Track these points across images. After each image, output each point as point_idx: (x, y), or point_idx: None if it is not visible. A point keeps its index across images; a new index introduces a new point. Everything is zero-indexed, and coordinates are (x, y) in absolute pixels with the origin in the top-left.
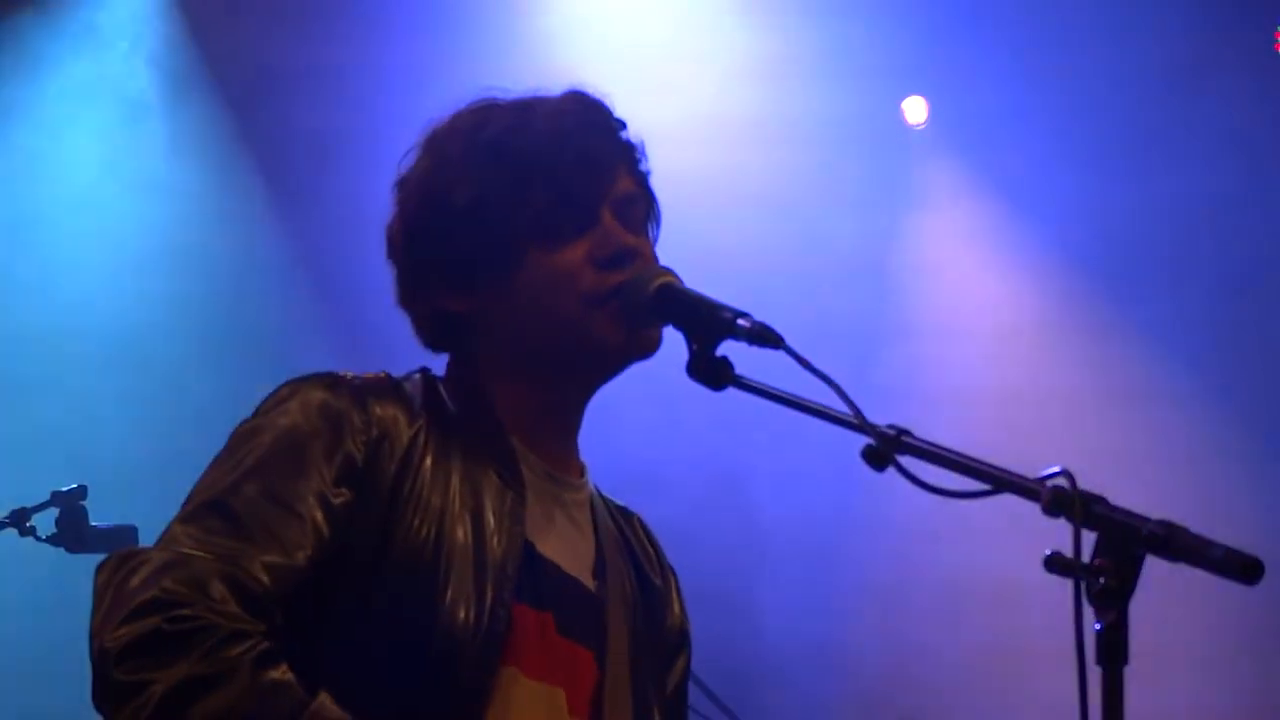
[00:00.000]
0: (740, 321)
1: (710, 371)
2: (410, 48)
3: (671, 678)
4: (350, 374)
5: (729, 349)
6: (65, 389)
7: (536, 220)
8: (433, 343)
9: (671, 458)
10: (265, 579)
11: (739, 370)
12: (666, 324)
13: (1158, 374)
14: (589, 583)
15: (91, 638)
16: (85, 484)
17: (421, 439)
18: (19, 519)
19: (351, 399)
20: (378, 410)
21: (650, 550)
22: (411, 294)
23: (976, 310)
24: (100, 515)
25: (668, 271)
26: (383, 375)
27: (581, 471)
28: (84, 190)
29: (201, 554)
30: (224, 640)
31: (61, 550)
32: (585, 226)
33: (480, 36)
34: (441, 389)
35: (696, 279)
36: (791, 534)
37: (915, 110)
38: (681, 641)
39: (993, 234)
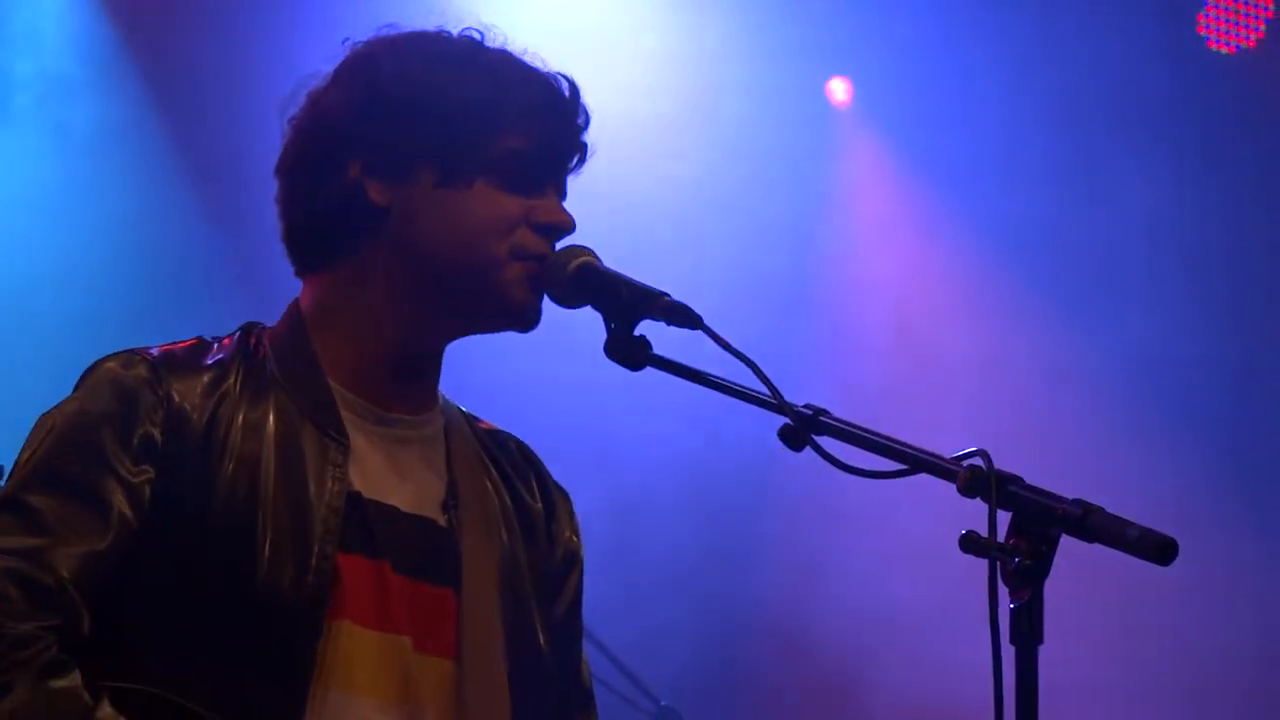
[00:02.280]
0: (659, 301)
1: (628, 351)
2: (327, 45)
3: (562, 598)
4: (152, 347)
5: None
6: None
7: (504, 157)
8: (308, 237)
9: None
10: (63, 572)
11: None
12: (586, 303)
13: (1078, 352)
14: (438, 518)
15: None
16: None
17: (231, 400)
18: None
19: (146, 374)
20: (175, 382)
21: (530, 474)
22: (329, 162)
23: (899, 287)
24: None
25: (588, 251)
26: (191, 341)
27: (430, 406)
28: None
29: None
30: (10, 646)
31: None
32: (536, 189)
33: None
34: (266, 343)
35: (621, 266)
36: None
37: (839, 91)
38: (571, 562)
39: (915, 212)
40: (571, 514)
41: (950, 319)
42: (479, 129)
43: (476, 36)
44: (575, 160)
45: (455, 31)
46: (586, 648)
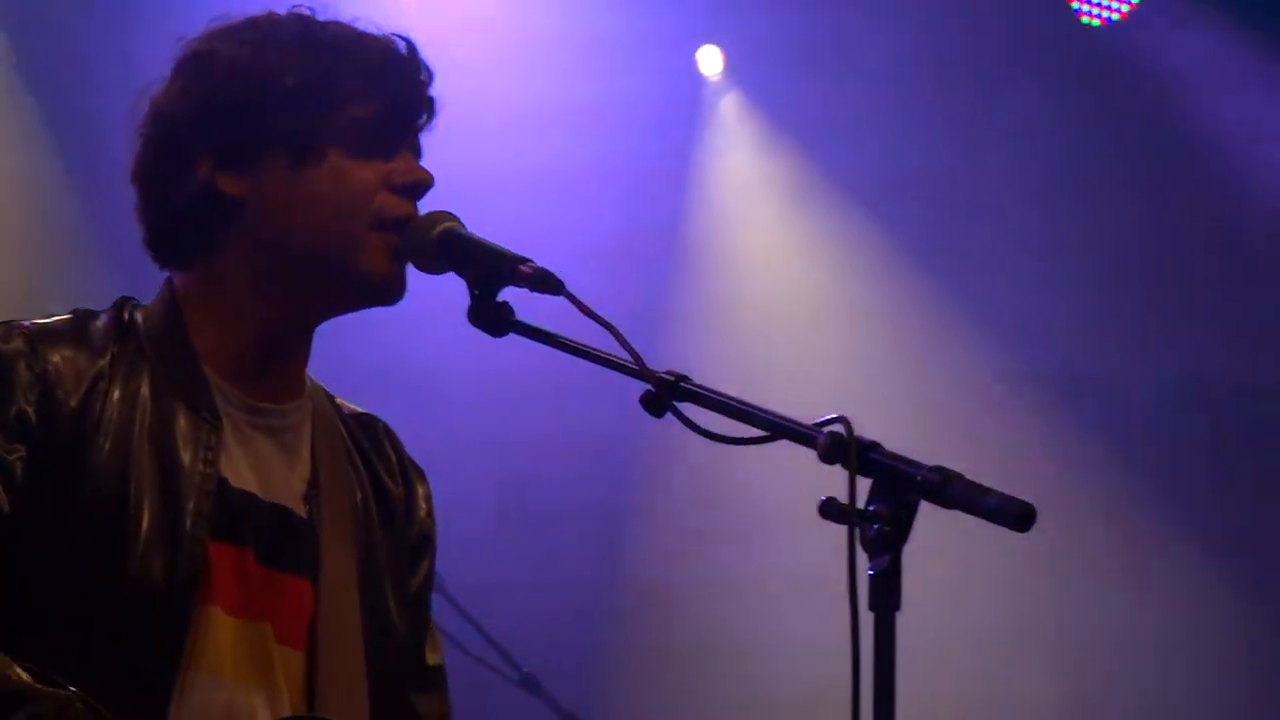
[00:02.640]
0: (522, 268)
1: (491, 317)
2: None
3: (414, 581)
4: (29, 321)
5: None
6: None
7: (353, 126)
8: (170, 240)
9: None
10: None
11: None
12: (449, 269)
13: (957, 314)
14: (299, 509)
15: None
16: None
17: (106, 379)
18: None
19: (22, 349)
20: (53, 357)
21: (392, 457)
22: (179, 163)
23: (772, 264)
24: None
25: (451, 217)
26: (67, 316)
27: (298, 394)
28: None
29: None
30: None
31: None
32: (390, 152)
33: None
34: (140, 321)
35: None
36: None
37: (710, 61)
38: (424, 545)
39: (787, 185)
40: (428, 495)
41: (821, 285)
42: (322, 105)
43: (306, 12)
44: (424, 117)
45: (284, 11)
46: (452, 614)
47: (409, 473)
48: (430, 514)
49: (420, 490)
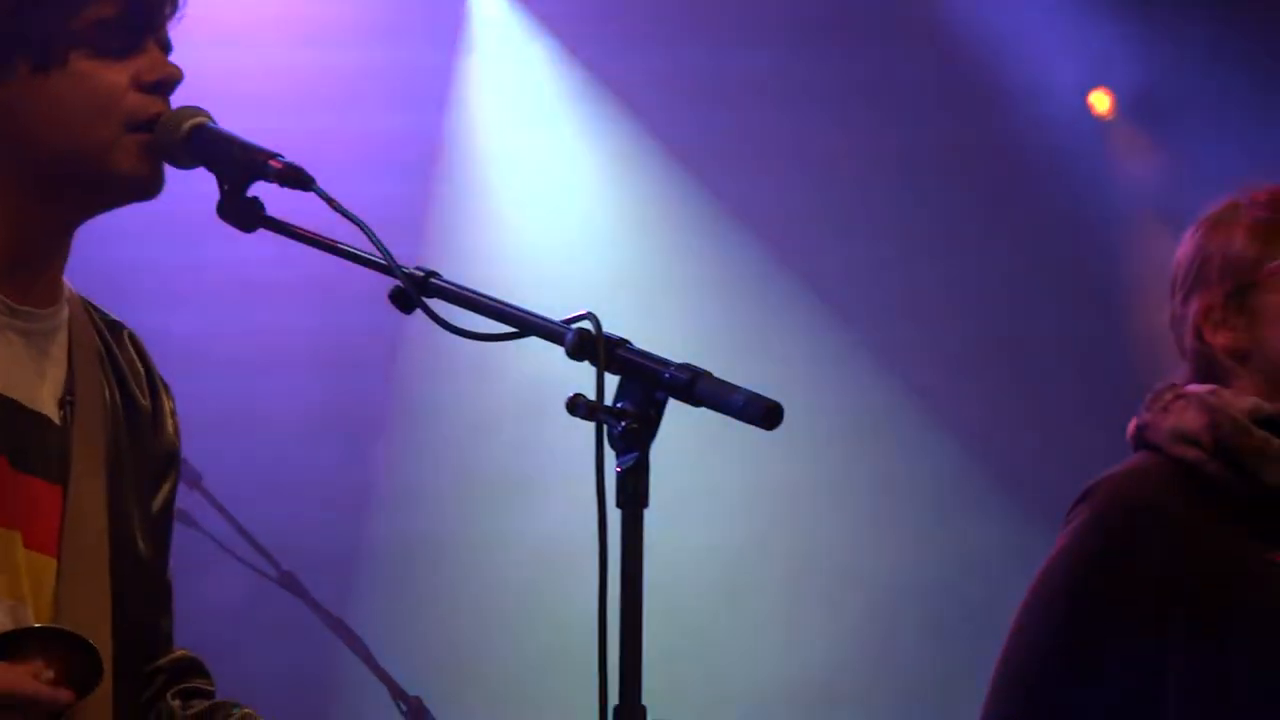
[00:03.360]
0: (272, 163)
1: (241, 213)
2: None
3: (158, 497)
4: None
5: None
6: None
7: (96, 27)
8: None
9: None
10: None
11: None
12: (199, 164)
13: (717, 230)
14: (54, 413)
15: None
16: None
17: None
18: None
19: None
20: None
21: (140, 368)
22: None
23: (539, 168)
24: None
25: (202, 112)
26: None
27: (56, 299)
28: None
29: None
30: None
31: None
32: (137, 49)
33: None
34: None
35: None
36: None
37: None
38: (170, 462)
39: (554, 89)
40: (174, 412)
41: (591, 191)
42: (61, 8)
43: None
44: (170, 9)
45: None
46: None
47: (156, 385)
48: (177, 431)
49: (167, 405)
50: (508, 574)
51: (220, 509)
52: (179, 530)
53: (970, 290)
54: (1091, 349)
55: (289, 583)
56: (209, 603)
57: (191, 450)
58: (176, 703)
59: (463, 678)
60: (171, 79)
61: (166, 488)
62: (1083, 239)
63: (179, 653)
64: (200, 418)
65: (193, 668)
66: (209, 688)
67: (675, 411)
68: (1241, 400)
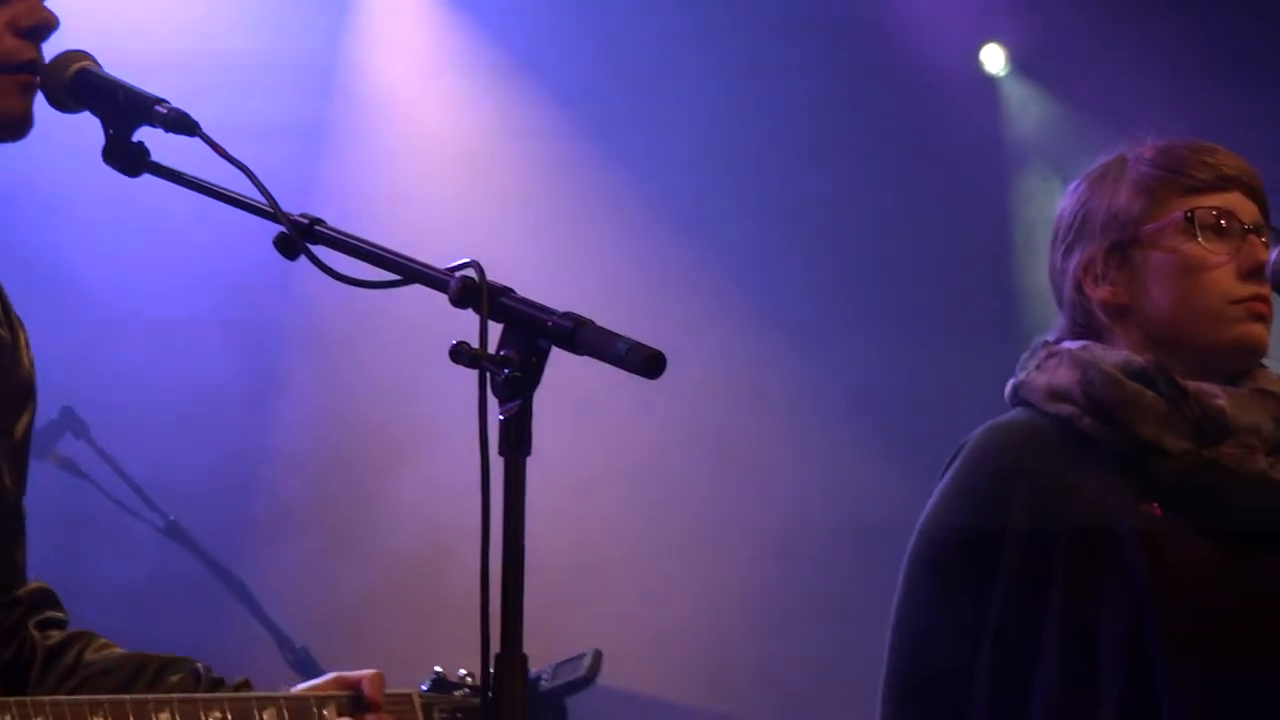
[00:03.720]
0: (157, 108)
1: (126, 158)
2: None
3: (19, 427)
4: None
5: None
6: None
7: None
8: None
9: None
10: None
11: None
12: (84, 108)
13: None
14: None
15: None
16: None
17: None
18: None
19: None
20: None
21: None
22: None
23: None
24: None
25: (86, 56)
26: None
27: None
28: None
29: None
30: None
31: None
32: None
33: None
34: None
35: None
36: None
37: None
38: (28, 393)
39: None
40: (28, 344)
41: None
42: None
43: None
44: None
45: None
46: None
47: (12, 319)
48: (32, 364)
49: (22, 337)
50: (395, 523)
51: (106, 458)
52: (65, 478)
53: (860, 246)
54: (981, 308)
55: (175, 532)
56: (97, 550)
57: (79, 401)
58: (37, 633)
59: (352, 630)
60: (46, 25)
61: (26, 418)
62: (976, 193)
63: (34, 584)
64: (90, 368)
65: (48, 599)
66: (64, 617)
67: None
68: (1112, 354)
